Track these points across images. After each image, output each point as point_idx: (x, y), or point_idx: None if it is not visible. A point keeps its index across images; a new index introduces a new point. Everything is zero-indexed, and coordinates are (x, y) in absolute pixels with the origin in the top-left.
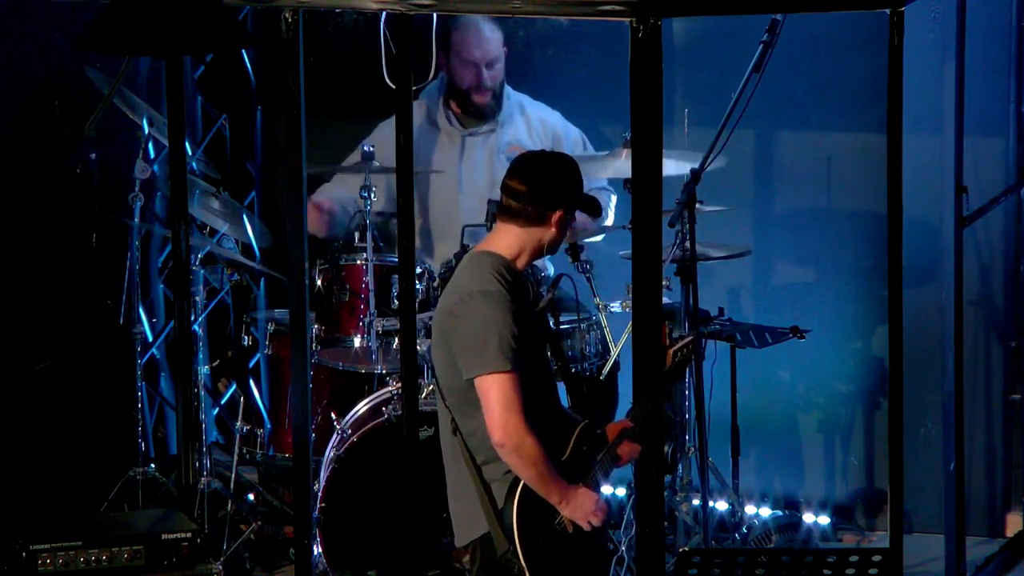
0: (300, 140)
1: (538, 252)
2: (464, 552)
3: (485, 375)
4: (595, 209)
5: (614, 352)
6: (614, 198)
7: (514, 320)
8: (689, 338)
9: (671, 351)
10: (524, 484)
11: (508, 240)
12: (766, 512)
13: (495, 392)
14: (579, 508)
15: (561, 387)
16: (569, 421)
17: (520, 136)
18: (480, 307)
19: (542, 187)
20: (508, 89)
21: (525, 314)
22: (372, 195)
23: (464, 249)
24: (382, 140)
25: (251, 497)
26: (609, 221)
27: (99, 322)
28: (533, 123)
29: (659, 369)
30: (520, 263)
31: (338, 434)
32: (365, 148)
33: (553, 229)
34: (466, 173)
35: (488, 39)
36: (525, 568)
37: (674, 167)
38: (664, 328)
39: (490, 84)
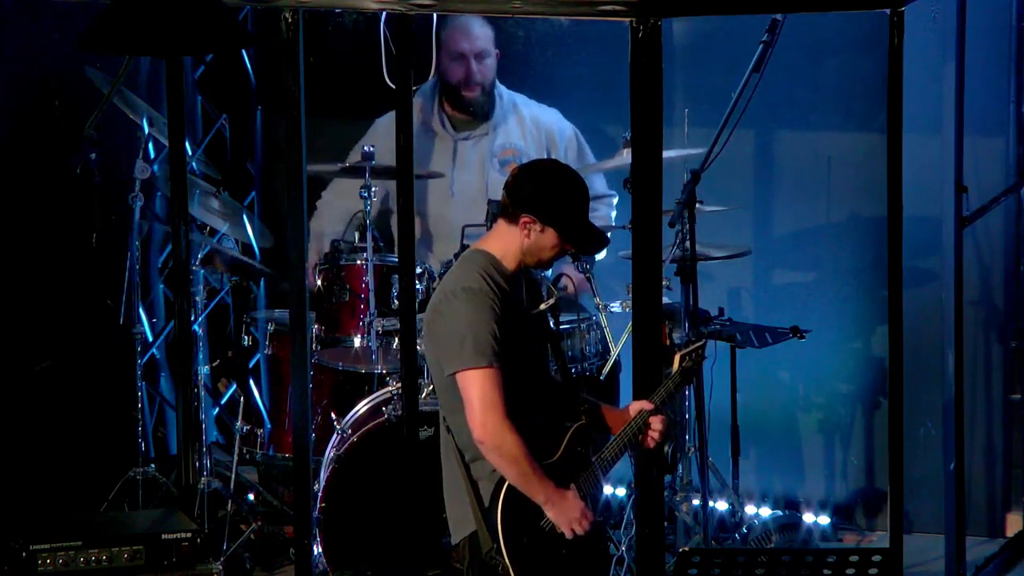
0: (300, 140)
1: (521, 256)
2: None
3: (464, 371)
4: (584, 245)
5: (614, 352)
6: (615, 200)
7: (496, 319)
8: (699, 344)
9: (679, 355)
10: (510, 483)
11: (497, 237)
12: (766, 512)
13: (474, 389)
14: (564, 512)
15: None
16: (564, 422)
17: (513, 138)
18: (461, 304)
19: (520, 186)
20: (501, 88)
21: (513, 314)
22: (372, 195)
23: (464, 249)
24: (377, 141)
25: (251, 497)
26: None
27: (99, 322)
28: (527, 122)
29: (664, 372)
30: (508, 263)
31: (338, 434)
32: (365, 149)
33: (521, 233)
34: (458, 177)
35: (476, 33)
36: (509, 567)
37: (674, 153)
38: (664, 328)
39: (479, 78)
